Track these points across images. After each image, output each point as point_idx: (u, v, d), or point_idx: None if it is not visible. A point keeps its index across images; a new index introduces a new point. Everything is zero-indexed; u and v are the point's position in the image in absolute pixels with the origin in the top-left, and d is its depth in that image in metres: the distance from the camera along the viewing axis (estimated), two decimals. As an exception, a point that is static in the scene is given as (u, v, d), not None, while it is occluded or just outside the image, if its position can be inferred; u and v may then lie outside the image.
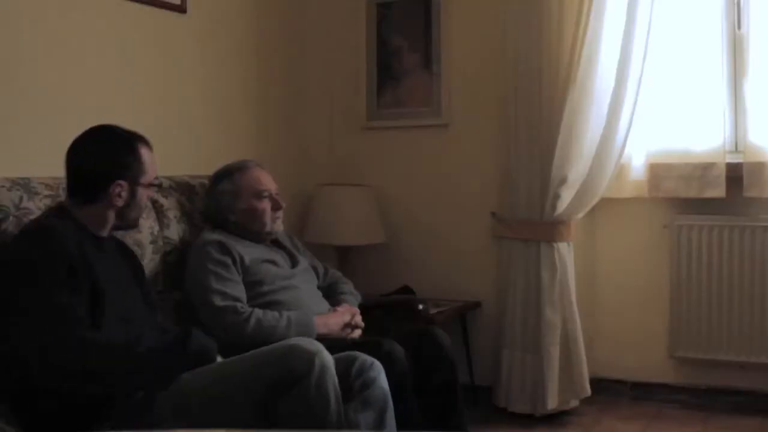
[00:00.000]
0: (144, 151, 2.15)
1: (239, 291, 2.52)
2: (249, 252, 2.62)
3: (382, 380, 2.28)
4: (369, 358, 2.30)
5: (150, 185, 2.18)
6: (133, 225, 2.24)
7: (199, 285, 2.49)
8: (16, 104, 2.48)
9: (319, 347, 2.02)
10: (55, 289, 1.86)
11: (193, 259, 2.55)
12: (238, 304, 2.47)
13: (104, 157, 2.10)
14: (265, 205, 2.69)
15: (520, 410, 3.41)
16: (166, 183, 2.65)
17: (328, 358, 2.02)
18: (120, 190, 2.09)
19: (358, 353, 2.31)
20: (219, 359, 2.11)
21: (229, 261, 2.53)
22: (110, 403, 1.88)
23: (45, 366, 1.82)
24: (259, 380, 1.97)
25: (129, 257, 2.28)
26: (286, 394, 1.96)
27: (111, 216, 2.12)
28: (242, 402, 1.95)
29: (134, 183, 2.12)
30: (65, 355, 1.82)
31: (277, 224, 2.73)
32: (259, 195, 2.69)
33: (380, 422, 2.25)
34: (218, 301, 2.45)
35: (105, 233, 2.14)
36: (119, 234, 2.27)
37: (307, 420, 1.95)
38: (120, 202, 2.10)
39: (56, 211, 2.09)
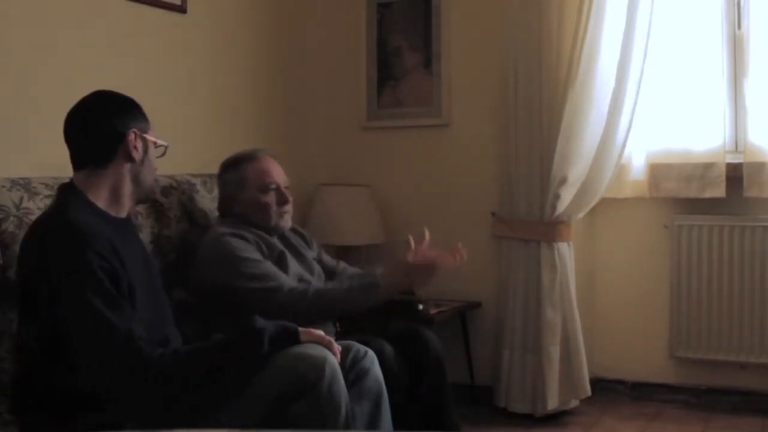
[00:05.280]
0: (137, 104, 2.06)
1: (268, 267, 2.44)
2: (263, 242, 2.55)
3: (376, 370, 2.27)
4: (362, 348, 2.28)
5: (157, 144, 2.06)
6: (149, 190, 2.09)
7: (229, 277, 2.40)
8: (16, 104, 2.48)
9: (326, 352, 1.99)
10: (107, 308, 1.76)
11: (210, 253, 2.47)
12: (273, 283, 2.39)
13: (114, 110, 2.00)
14: (270, 198, 2.58)
15: (520, 410, 3.41)
16: (165, 182, 2.64)
17: (336, 364, 2.00)
18: (135, 139, 1.97)
19: (351, 342, 2.29)
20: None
21: (247, 245, 2.46)
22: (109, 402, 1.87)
23: (122, 395, 1.78)
24: (268, 389, 1.94)
25: (138, 237, 2.18)
26: (295, 402, 1.93)
27: (127, 180, 1.98)
28: (249, 411, 1.92)
29: (143, 135, 2.01)
30: (138, 382, 1.76)
31: (284, 219, 2.62)
32: (264, 188, 2.59)
33: (376, 412, 2.24)
34: (267, 284, 2.38)
35: (123, 212, 2.01)
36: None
37: (318, 426, 1.92)
38: (137, 155, 1.97)
39: (69, 197, 1.93)
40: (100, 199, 1.95)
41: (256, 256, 2.46)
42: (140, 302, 1.88)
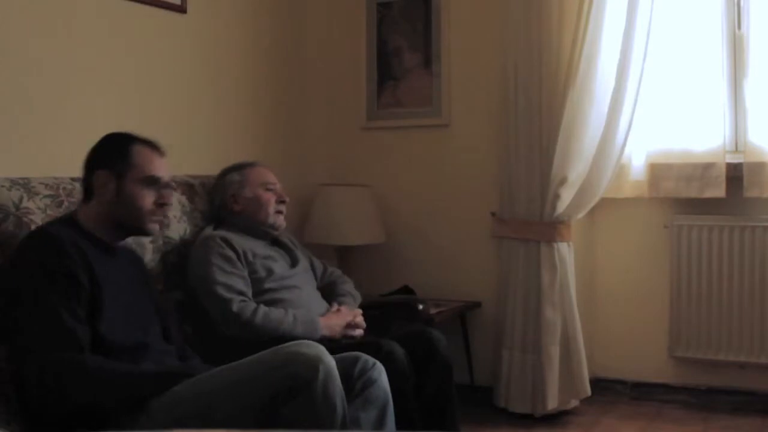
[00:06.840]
0: (138, 149, 2.12)
1: (243, 285, 2.55)
2: (251, 248, 2.65)
3: (384, 381, 2.29)
4: (371, 359, 2.30)
5: (141, 180, 2.11)
6: (135, 225, 2.14)
7: (203, 278, 2.52)
8: (16, 104, 2.48)
9: (321, 350, 1.99)
10: (53, 306, 1.87)
11: (196, 253, 2.58)
12: (242, 297, 2.51)
13: (94, 151, 2.13)
14: (270, 196, 2.76)
15: (520, 410, 3.41)
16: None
17: (332, 362, 2.00)
18: (104, 181, 2.08)
19: (360, 353, 2.32)
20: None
21: (232, 254, 2.57)
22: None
23: (43, 388, 1.85)
24: (262, 389, 1.93)
25: (140, 269, 2.29)
26: (290, 402, 1.93)
27: (102, 216, 2.09)
28: (243, 412, 1.92)
29: (120, 177, 2.08)
30: (61, 378, 1.85)
31: (279, 219, 2.78)
32: (265, 186, 2.77)
33: (381, 421, 2.25)
34: (224, 293, 2.49)
35: (115, 242, 2.15)
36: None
37: (314, 426, 1.92)
38: (106, 195, 2.08)
39: (63, 220, 2.09)
40: (90, 225, 2.08)
41: (230, 267, 2.55)
42: (112, 306, 1.98)
